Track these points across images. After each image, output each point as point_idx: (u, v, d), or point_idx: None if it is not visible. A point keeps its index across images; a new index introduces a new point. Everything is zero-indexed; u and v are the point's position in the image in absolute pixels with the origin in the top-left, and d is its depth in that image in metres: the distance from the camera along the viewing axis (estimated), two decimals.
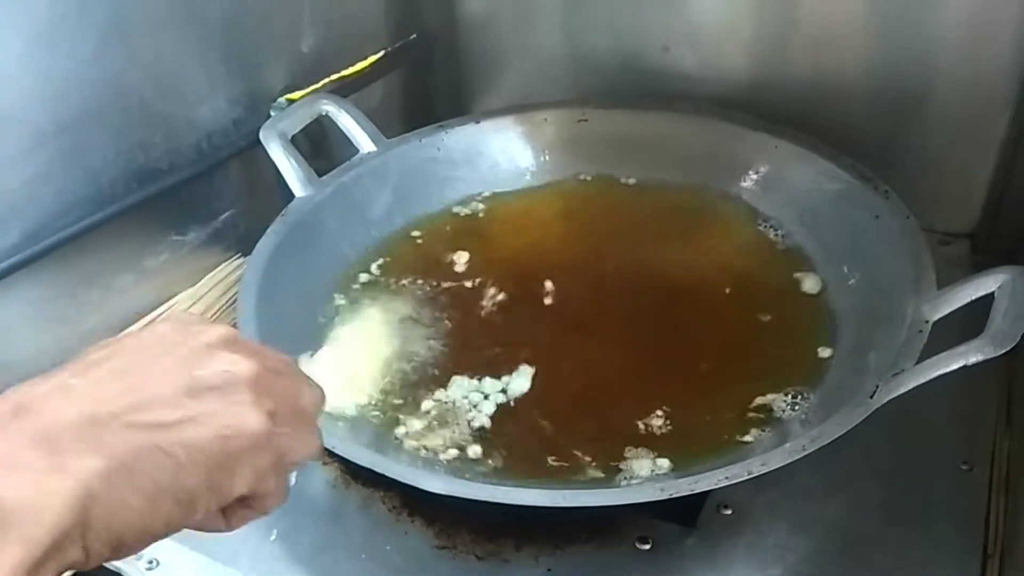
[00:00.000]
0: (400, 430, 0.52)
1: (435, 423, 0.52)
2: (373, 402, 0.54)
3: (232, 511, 0.31)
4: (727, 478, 0.42)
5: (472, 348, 0.58)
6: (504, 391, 0.54)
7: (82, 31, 0.54)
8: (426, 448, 0.51)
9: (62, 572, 0.24)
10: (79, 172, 0.56)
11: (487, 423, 0.52)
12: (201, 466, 0.27)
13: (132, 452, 0.26)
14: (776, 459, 0.42)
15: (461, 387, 0.55)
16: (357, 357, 0.57)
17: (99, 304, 0.59)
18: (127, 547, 0.26)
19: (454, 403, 0.54)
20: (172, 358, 0.29)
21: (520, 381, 0.55)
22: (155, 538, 0.27)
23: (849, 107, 0.69)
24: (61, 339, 0.57)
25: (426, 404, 0.54)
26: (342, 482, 0.52)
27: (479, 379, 0.55)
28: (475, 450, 0.51)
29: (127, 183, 0.59)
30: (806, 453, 0.42)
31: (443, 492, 0.43)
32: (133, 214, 0.59)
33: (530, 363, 0.56)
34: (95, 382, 0.28)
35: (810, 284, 0.60)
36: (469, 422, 0.52)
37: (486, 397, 0.54)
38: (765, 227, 0.65)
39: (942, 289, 0.50)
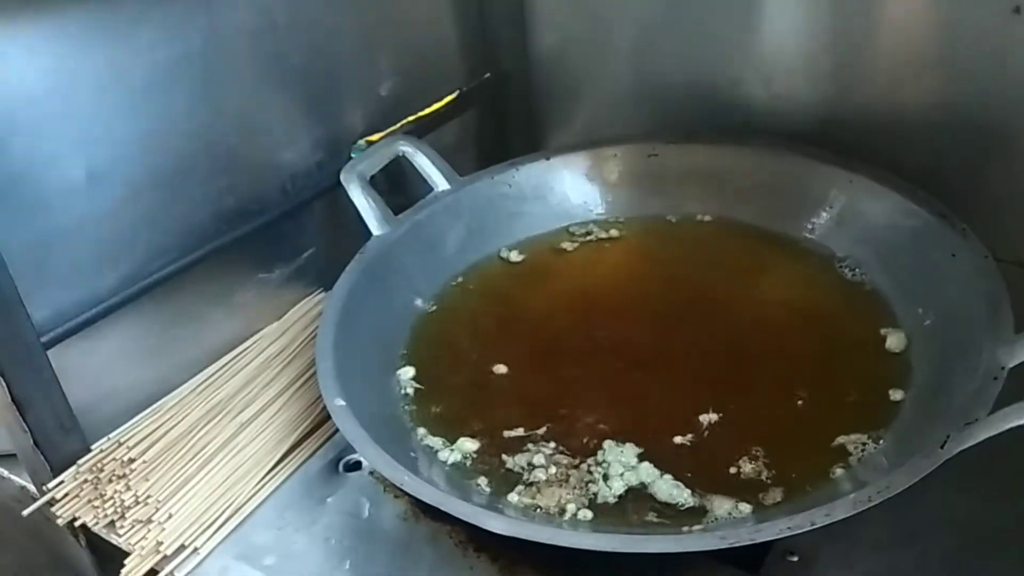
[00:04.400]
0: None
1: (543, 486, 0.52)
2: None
3: None
4: (789, 528, 0.42)
5: (553, 396, 0.58)
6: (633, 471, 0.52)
7: (174, 91, 0.58)
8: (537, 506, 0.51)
9: None
10: (172, 218, 0.60)
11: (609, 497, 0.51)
12: None
13: None
14: (840, 510, 0.42)
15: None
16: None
17: (191, 339, 0.63)
18: None
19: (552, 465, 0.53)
20: None
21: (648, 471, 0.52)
22: None
23: (927, 139, 0.67)
24: (156, 371, 0.61)
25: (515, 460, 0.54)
26: (412, 515, 0.54)
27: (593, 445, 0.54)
28: (584, 514, 0.50)
29: (217, 225, 0.63)
30: (871, 504, 0.42)
31: (505, 533, 0.44)
32: (223, 254, 0.63)
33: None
34: None
35: (894, 341, 0.57)
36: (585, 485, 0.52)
37: (621, 472, 0.52)
38: (841, 266, 0.64)
39: (1021, 333, 0.48)
